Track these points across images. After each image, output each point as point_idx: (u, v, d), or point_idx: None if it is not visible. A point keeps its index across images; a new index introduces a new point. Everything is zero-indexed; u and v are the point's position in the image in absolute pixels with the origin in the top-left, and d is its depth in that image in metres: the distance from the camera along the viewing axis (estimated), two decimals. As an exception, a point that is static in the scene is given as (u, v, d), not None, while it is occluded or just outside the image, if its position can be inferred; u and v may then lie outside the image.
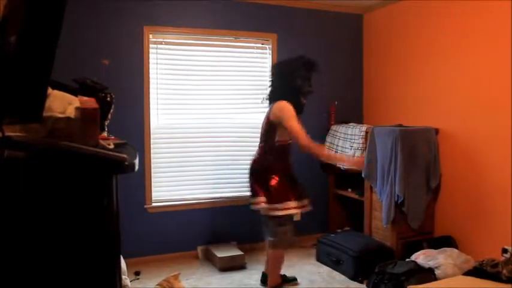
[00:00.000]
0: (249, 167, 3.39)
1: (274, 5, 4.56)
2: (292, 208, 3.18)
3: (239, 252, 4.09)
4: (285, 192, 3.20)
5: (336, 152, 4.51)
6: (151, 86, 4.15)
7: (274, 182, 3.20)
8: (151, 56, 4.14)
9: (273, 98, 3.31)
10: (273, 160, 3.25)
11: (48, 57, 1.01)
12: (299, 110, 3.27)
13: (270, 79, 3.43)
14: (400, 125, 4.15)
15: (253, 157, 3.41)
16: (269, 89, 3.42)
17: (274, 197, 3.17)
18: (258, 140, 3.42)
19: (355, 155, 4.24)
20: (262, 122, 3.39)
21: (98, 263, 1.22)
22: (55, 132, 1.17)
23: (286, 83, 3.25)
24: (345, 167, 4.36)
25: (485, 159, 3.61)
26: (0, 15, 1.20)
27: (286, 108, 3.14)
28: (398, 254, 3.80)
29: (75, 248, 1.18)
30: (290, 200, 3.18)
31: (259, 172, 3.28)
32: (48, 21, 0.98)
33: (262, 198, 3.20)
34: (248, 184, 3.38)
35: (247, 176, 3.39)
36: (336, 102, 4.82)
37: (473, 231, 3.72)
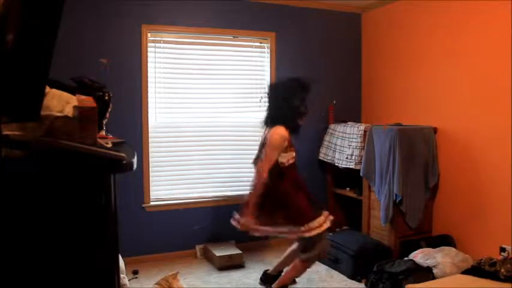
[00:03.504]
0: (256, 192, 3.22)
1: (272, 4, 4.56)
2: (319, 227, 3.13)
3: (237, 251, 4.10)
4: (307, 211, 3.15)
5: (334, 151, 4.52)
6: (149, 84, 4.14)
7: (295, 203, 3.15)
8: (149, 54, 4.13)
9: (270, 121, 3.29)
10: (285, 182, 3.19)
11: (45, 56, 1.01)
12: (295, 131, 3.28)
13: (268, 100, 3.41)
14: (399, 124, 4.16)
15: (256, 182, 3.21)
16: (266, 109, 3.38)
17: (301, 219, 3.12)
18: (252, 161, 3.37)
19: (354, 153, 4.24)
20: (260, 143, 3.35)
21: (96, 262, 1.22)
22: (53, 131, 1.16)
23: (282, 106, 3.23)
24: (342, 166, 4.37)
25: (483, 158, 3.62)
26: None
27: (277, 137, 3.14)
28: (396, 253, 3.81)
29: (73, 247, 1.18)
30: (315, 219, 3.14)
31: (275, 198, 3.17)
32: (46, 19, 0.97)
33: (289, 227, 3.15)
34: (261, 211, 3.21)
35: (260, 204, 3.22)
36: (335, 101, 4.82)
37: (471, 230, 3.73)
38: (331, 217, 3.25)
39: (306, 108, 3.31)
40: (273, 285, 3.40)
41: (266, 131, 3.29)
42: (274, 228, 3.22)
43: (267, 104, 3.39)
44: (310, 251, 3.20)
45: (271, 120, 3.28)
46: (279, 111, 3.25)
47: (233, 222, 3.27)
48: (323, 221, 3.16)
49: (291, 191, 3.18)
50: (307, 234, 3.11)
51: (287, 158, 3.21)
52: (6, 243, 1.11)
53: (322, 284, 3.64)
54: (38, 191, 1.13)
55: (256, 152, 3.39)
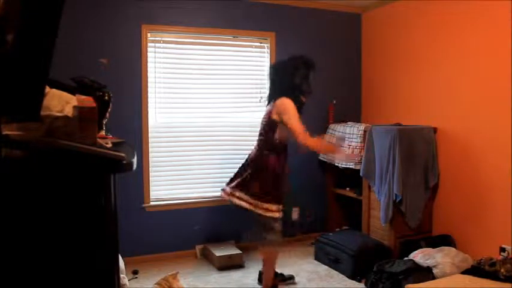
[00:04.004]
0: (245, 160, 3.36)
1: (272, 4, 4.56)
2: (274, 211, 3.16)
3: (237, 251, 4.10)
4: (274, 192, 3.18)
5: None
6: (149, 84, 4.14)
7: (266, 180, 3.18)
8: (149, 54, 4.13)
9: (273, 96, 3.28)
10: (270, 158, 3.22)
11: (45, 56, 1.01)
12: (299, 108, 3.28)
13: (270, 78, 3.41)
14: (399, 124, 4.16)
15: (251, 152, 3.37)
16: (268, 88, 3.40)
17: (265, 197, 3.15)
18: (257, 136, 3.40)
19: (354, 153, 4.24)
20: (262, 119, 3.37)
21: (96, 262, 1.22)
22: (53, 131, 1.16)
23: (286, 81, 3.23)
24: (342, 165, 4.37)
25: (483, 158, 3.62)
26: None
27: (289, 105, 3.12)
28: (396, 252, 3.81)
29: (73, 247, 1.18)
30: (277, 202, 3.16)
31: (255, 168, 3.24)
32: (46, 19, 0.97)
33: (252, 199, 3.19)
34: (239, 176, 3.32)
35: (241, 167, 3.35)
36: (334, 101, 4.82)
37: (471, 230, 3.73)
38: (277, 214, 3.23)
39: (310, 86, 3.31)
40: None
41: (269, 107, 3.27)
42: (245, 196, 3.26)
43: (269, 83, 3.38)
44: (264, 238, 3.23)
45: (274, 95, 3.26)
46: (282, 88, 3.24)
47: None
48: (275, 210, 3.15)
49: (271, 169, 3.19)
50: (255, 210, 3.15)
51: (283, 134, 3.18)
52: (7, 244, 1.11)
53: (322, 284, 3.64)
54: (38, 191, 1.13)
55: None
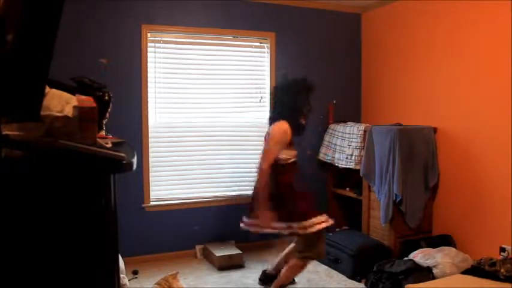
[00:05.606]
0: (253, 189, 3.33)
1: (272, 4, 4.56)
2: (322, 222, 3.14)
3: (237, 251, 4.10)
4: (303, 209, 3.16)
5: (334, 151, 4.52)
6: (149, 84, 4.14)
7: (292, 201, 3.17)
8: (149, 54, 4.13)
9: (274, 118, 3.34)
10: (284, 179, 3.21)
11: (45, 56, 1.01)
12: (299, 130, 3.33)
13: (272, 99, 3.47)
14: (399, 124, 4.16)
15: (259, 176, 3.25)
16: (271, 109, 3.47)
17: (296, 216, 3.13)
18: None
19: (354, 153, 4.24)
20: (263, 143, 3.39)
21: (96, 262, 1.22)
22: (53, 131, 1.16)
23: (286, 105, 3.30)
24: (342, 166, 4.37)
25: (483, 158, 3.62)
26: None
27: (279, 130, 3.18)
28: (396, 253, 3.81)
29: (73, 247, 1.18)
30: (315, 216, 3.15)
31: (273, 195, 3.18)
32: (46, 19, 0.97)
33: (285, 224, 3.16)
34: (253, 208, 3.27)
35: (252, 200, 3.31)
36: (334, 101, 4.82)
37: (471, 230, 3.73)
38: (330, 221, 3.22)
39: (309, 108, 3.37)
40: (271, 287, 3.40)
41: (269, 127, 3.32)
42: (273, 225, 3.21)
43: (272, 104, 3.47)
44: (306, 251, 3.20)
45: (274, 118, 3.32)
46: (283, 109, 3.30)
47: (245, 226, 3.27)
48: (319, 222, 3.14)
49: (288, 189, 3.19)
50: (301, 232, 3.11)
51: (287, 156, 3.22)
52: (7, 244, 1.11)
53: (322, 284, 3.64)
54: (38, 191, 1.13)
55: (259, 150, 3.42)
